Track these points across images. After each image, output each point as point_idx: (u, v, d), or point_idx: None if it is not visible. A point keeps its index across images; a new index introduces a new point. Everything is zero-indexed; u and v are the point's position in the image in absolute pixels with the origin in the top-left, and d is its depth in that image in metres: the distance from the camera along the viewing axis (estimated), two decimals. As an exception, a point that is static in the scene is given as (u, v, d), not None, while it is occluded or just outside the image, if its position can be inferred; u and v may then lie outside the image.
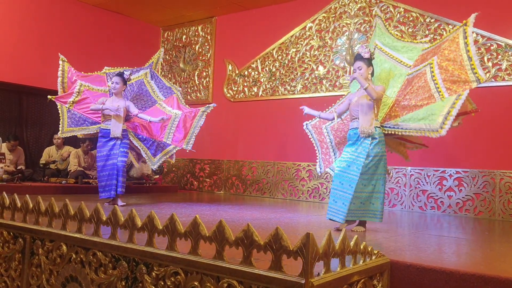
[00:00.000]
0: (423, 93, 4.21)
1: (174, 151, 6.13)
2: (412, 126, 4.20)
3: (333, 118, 4.58)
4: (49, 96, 6.24)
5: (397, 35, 5.08)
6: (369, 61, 4.34)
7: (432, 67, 4.18)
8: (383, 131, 4.35)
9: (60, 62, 6.41)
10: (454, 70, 4.09)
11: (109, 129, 5.70)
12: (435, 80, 4.13)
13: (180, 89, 6.85)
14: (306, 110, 4.66)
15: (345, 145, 4.56)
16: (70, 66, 6.41)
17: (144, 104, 6.52)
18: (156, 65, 6.84)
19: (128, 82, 6.13)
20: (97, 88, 6.39)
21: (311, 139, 5.14)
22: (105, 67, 6.68)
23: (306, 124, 5.19)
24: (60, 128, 6.21)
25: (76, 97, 6.24)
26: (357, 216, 4.18)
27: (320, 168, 5.01)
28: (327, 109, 5.08)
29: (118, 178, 5.63)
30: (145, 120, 5.90)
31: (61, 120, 6.20)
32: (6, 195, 3.44)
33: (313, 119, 5.12)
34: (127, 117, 5.97)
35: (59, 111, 6.25)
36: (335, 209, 4.18)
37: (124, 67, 6.64)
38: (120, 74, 5.91)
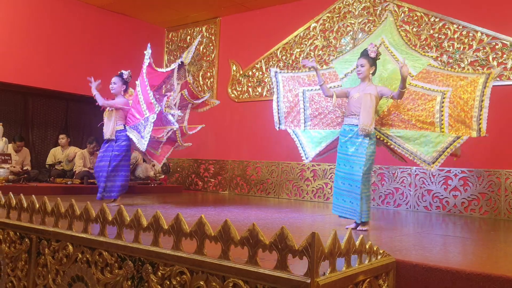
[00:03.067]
0: (426, 117, 4.27)
1: (152, 120, 5.46)
2: (407, 147, 4.28)
3: (331, 96, 4.48)
4: None
5: (406, 37, 5.03)
6: (373, 60, 4.33)
7: (444, 98, 4.21)
8: (377, 135, 4.39)
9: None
10: (461, 111, 4.16)
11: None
12: (442, 112, 4.19)
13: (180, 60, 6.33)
14: (312, 64, 4.50)
15: (319, 119, 4.68)
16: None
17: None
18: (187, 54, 6.42)
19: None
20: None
21: (275, 89, 5.00)
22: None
23: (276, 72, 5.04)
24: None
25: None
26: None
27: (280, 124, 4.92)
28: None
29: (106, 183, 5.56)
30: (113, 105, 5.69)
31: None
32: (12, 196, 3.46)
33: (287, 70, 5.02)
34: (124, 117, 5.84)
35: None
36: (348, 208, 4.21)
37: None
38: (120, 74, 5.85)
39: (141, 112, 5.69)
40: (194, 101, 6.40)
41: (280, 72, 5.04)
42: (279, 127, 4.97)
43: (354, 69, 4.65)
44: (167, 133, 5.88)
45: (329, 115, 4.80)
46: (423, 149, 4.20)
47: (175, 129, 5.84)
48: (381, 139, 4.41)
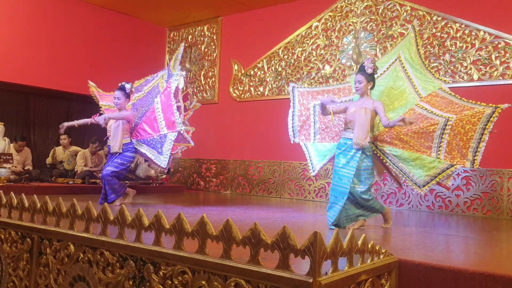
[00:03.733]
0: (425, 140, 4.31)
1: (173, 137, 5.73)
2: (401, 167, 4.34)
3: (330, 114, 4.53)
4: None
5: (423, 55, 5.04)
6: (370, 76, 4.38)
7: (446, 125, 4.25)
8: (374, 151, 4.43)
9: (93, 89, 6.51)
10: (460, 140, 4.21)
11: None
12: (442, 139, 4.24)
13: (183, 73, 6.37)
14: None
15: (326, 132, 4.76)
16: (95, 90, 6.49)
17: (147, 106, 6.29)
18: (174, 63, 6.50)
19: (133, 93, 6.06)
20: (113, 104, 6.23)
21: (291, 103, 5.06)
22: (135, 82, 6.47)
23: (293, 87, 5.10)
24: None
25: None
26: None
27: (294, 137, 4.97)
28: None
29: (105, 187, 5.57)
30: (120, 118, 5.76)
31: None
32: (13, 195, 3.45)
33: (303, 85, 5.08)
34: (132, 129, 5.91)
35: None
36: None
37: (146, 78, 6.52)
38: (122, 88, 5.82)
39: (155, 128, 5.85)
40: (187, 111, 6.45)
41: (298, 87, 5.11)
42: (293, 141, 5.04)
43: None
44: (181, 149, 6.19)
45: (333, 129, 4.87)
46: (416, 171, 4.29)
47: (190, 146, 6.15)
48: (378, 155, 4.48)
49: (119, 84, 5.91)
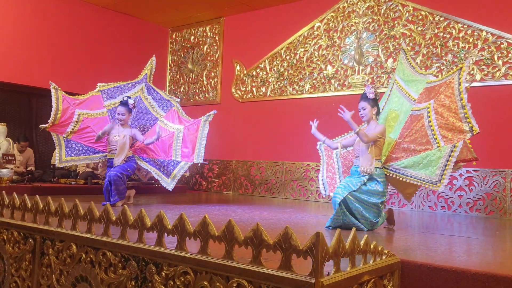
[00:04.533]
0: (421, 137, 4.24)
1: (186, 167, 6.00)
2: (412, 174, 4.26)
3: (336, 148, 4.70)
4: (41, 126, 6.04)
5: (416, 66, 4.99)
6: (374, 101, 4.39)
7: (429, 112, 4.19)
8: (386, 172, 4.40)
9: (53, 91, 6.08)
10: (449, 117, 4.08)
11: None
12: (432, 126, 4.15)
13: (178, 100, 6.70)
14: (313, 130, 4.71)
15: (347, 173, 4.76)
16: (64, 95, 6.15)
17: (146, 124, 6.39)
18: (150, 77, 6.57)
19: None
20: (96, 113, 6.20)
21: (321, 160, 5.17)
22: (98, 84, 6.36)
23: (320, 144, 5.16)
24: (57, 158, 6.03)
25: (74, 126, 6.07)
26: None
27: (325, 191, 5.02)
28: (333, 139, 5.00)
29: (110, 187, 5.55)
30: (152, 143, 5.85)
31: (57, 150, 6.05)
32: (16, 196, 3.46)
33: (330, 139, 5.08)
34: (131, 145, 5.92)
35: (55, 141, 6.07)
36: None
37: (118, 82, 6.44)
38: (125, 103, 5.77)
39: (167, 152, 5.99)
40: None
41: (322, 143, 5.02)
42: (325, 194, 5.07)
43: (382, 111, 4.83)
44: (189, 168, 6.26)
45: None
46: (427, 171, 4.16)
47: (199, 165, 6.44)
48: (391, 175, 4.43)
49: (122, 100, 5.86)
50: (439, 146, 4.08)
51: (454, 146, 4.00)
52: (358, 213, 4.14)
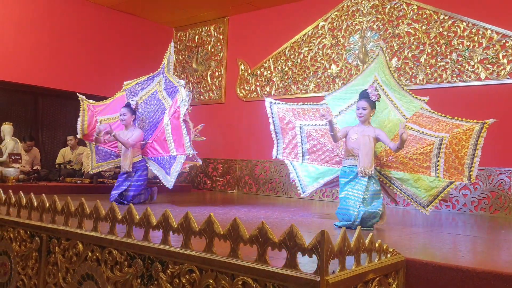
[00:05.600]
0: (423, 161, 4.38)
1: (182, 160, 5.77)
2: (404, 189, 4.43)
3: (338, 140, 4.49)
4: (79, 136, 6.38)
5: (397, 77, 5.04)
6: (374, 104, 4.36)
7: (441, 144, 4.32)
8: (379, 177, 4.46)
9: (80, 102, 6.32)
10: (456, 157, 4.33)
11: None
12: (439, 158, 4.33)
13: (183, 82, 6.17)
14: (329, 118, 4.33)
15: (317, 155, 4.79)
16: (89, 104, 6.32)
17: (158, 119, 6.22)
18: (168, 66, 6.45)
19: (138, 101, 6.08)
20: (115, 116, 6.23)
21: (270, 119, 5.02)
22: (124, 83, 6.44)
23: (271, 103, 5.05)
24: (90, 164, 6.34)
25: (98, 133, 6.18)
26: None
27: (277, 152, 4.96)
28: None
29: (127, 199, 5.65)
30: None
31: (90, 157, 6.36)
32: (22, 195, 3.48)
33: (281, 102, 5.05)
34: (142, 146, 5.96)
35: (89, 149, 6.44)
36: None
37: (141, 77, 6.46)
38: (128, 105, 5.85)
39: (165, 148, 5.87)
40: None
41: (275, 103, 5.06)
42: (276, 156, 5.02)
43: (348, 106, 4.82)
44: (189, 166, 6.28)
45: (326, 152, 4.86)
46: (419, 192, 4.38)
47: (198, 165, 6.35)
48: (382, 180, 4.49)
49: (126, 103, 5.96)
50: (438, 177, 4.31)
51: (451, 183, 4.30)
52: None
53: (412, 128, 4.51)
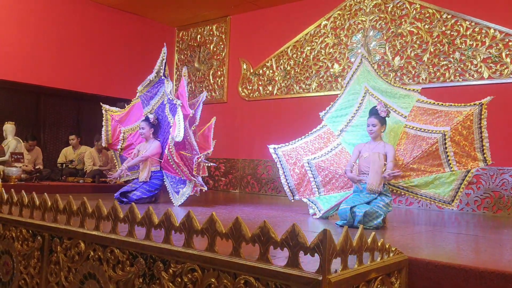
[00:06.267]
0: (433, 160, 4.38)
1: (192, 185, 5.80)
2: (424, 193, 4.46)
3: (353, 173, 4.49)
4: (104, 144, 6.64)
5: (384, 77, 5.04)
6: (384, 120, 4.38)
7: (445, 139, 4.31)
8: (393, 189, 4.47)
9: (104, 112, 6.44)
10: (465, 146, 4.32)
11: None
12: (448, 153, 4.32)
13: (179, 102, 5.89)
14: (351, 175, 4.44)
15: (331, 184, 4.81)
16: (112, 114, 6.43)
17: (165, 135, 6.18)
18: (164, 69, 6.13)
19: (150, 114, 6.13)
20: (136, 126, 6.34)
21: (278, 164, 5.06)
22: (138, 88, 6.33)
23: (275, 149, 5.09)
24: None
25: (122, 144, 6.40)
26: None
27: (293, 194, 4.97)
28: (314, 154, 4.99)
29: (130, 200, 5.65)
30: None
31: (117, 166, 6.52)
32: (25, 194, 3.48)
33: (284, 144, 5.07)
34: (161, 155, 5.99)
35: (114, 158, 6.72)
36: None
37: (148, 80, 6.31)
38: (146, 119, 5.97)
39: (190, 149, 5.88)
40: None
41: (279, 147, 5.08)
42: (293, 199, 5.02)
43: (348, 123, 4.84)
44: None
45: (339, 179, 4.84)
46: (439, 190, 4.39)
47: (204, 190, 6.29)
48: (396, 191, 4.51)
49: (144, 116, 6.12)
50: (453, 171, 4.31)
51: (469, 171, 4.30)
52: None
53: (413, 127, 4.50)
